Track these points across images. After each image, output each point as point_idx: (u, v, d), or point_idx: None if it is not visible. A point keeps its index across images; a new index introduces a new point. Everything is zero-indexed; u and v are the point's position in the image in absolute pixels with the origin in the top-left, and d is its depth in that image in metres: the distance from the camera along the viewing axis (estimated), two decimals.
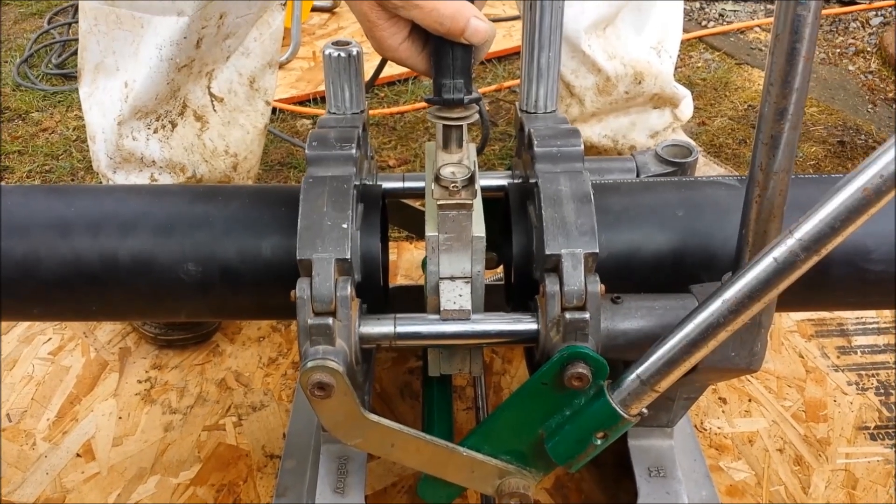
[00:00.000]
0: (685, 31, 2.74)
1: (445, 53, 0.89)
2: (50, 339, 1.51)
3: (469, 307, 0.89)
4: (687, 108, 1.89)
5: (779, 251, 0.67)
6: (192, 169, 1.48)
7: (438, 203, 0.86)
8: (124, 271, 0.96)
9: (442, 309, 0.89)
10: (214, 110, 1.48)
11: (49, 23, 3.18)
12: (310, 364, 0.83)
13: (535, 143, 0.98)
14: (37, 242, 0.95)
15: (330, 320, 0.85)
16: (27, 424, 1.33)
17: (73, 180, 2.23)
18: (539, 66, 1.04)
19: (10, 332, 1.53)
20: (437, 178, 0.86)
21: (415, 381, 1.38)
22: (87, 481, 1.22)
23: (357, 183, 0.96)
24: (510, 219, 1.00)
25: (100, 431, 1.31)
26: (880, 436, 1.27)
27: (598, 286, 0.85)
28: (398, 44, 0.90)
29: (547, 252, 0.86)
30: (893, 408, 1.32)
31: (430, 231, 0.90)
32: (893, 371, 1.38)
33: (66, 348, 1.49)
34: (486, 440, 0.90)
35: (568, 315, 0.84)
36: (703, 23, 2.95)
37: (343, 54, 1.05)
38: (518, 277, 0.95)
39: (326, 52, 1.05)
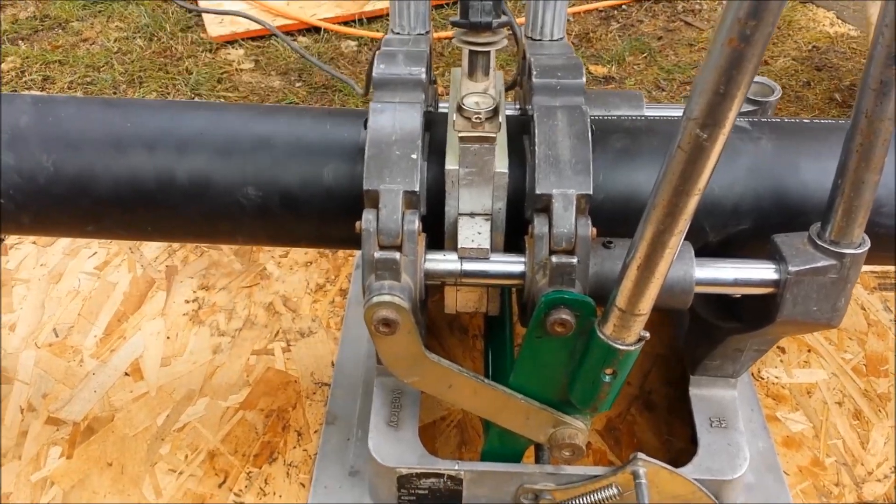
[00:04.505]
0: None
1: None
2: (95, 252, 1.50)
3: (488, 246, 0.85)
4: None
5: (681, 139, 0.62)
6: None
7: (460, 135, 0.82)
8: (181, 192, 0.93)
9: (459, 247, 0.85)
10: None
11: None
12: (375, 299, 0.80)
13: (535, 73, 0.92)
14: (92, 158, 0.92)
15: (397, 255, 0.82)
16: (74, 340, 1.33)
17: (114, 93, 2.20)
18: None
19: (55, 243, 1.52)
20: (460, 109, 0.82)
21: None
22: (135, 401, 1.22)
23: (425, 110, 0.92)
24: None
25: (148, 351, 1.30)
26: None
27: (588, 229, 0.82)
28: None
29: (538, 191, 0.82)
30: None
31: (450, 164, 0.85)
32: None
33: (111, 263, 1.48)
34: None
35: (555, 259, 0.81)
36: None
37: None
38: (509, 215, 0.91)
39: None
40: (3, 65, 2.34)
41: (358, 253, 1.44)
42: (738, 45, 0.57)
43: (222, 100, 2.16)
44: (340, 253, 1.50)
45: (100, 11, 2.59)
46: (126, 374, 1.27)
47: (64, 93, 2.20)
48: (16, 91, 2.21)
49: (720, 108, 0.60)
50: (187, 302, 1.39)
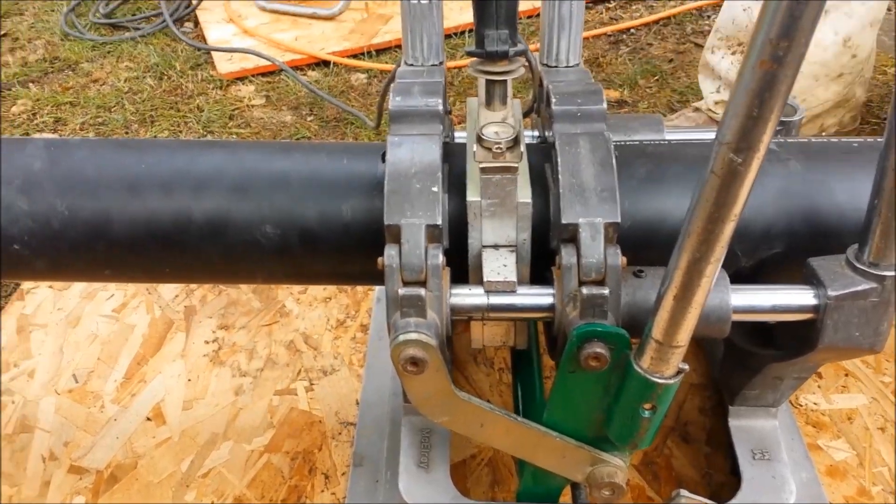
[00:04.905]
0: None
1: (489, 1, 0.81)
2: (112, 295, 1.49)
3: (514, 278, 0.83)
4: None
5: (714, 164, 0.59)
6: None
7: (481, 166, 0.80)
8: (198, 233, 0.91)
9: (485, 280, 0.83)
10: None
11: None
12: (402, 338, 0.78)
13: (554, 100, 0.90)
14: (107, 201, 0.90)
15: (422, 291, 0.79)
16: (94, 385, 1.30)
17: (126, 133, 2.20)
18: (560, 16, 0.97)
19: (72, 287, 1.51)
20: (480, 139, 0.80)
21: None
22: (158, 446, 1.20)
23: (443, 141, 0.90)
24: None
25: (169, 394, 1.28)
26: None
27: (619, 259, 0.79)
28: None
29: (563, 221, 0.80)
30: None
31: (471, 196, 0.83)
32: None
33: (129, 305, 1.46)
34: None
35: (585, 290, 0.78)
36: None
37: (424, 0, 0.98)
38: (534, 246, 0.88)
39: None
40: (14, 108, 2.35)
41: (378, 287, 1.42)
42: (770, 67, 0.54)
43: (234, 136, 2.16)
44: (359, 287, 1.47)
45: (109, 52, 2.61)
46: (148, 418, 1.24)
47: (76, 134, 2.20)
48: (28, 134, 2.21)
49: (754, 132, 0.57)
50: (207, 343, 1.37)
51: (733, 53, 1.81)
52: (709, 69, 1.89)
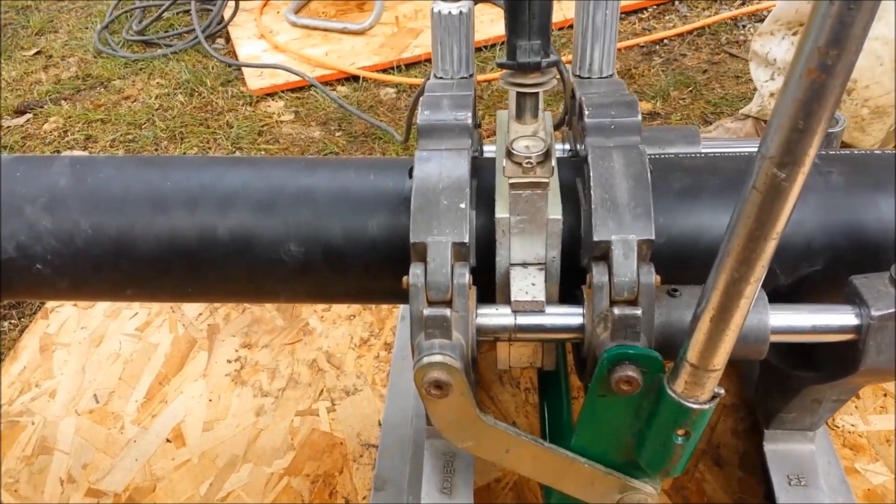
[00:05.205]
0: None
1: (521, 11, 0.79)
2: (136, 313, 1.48)
3: (543, 298, 0.80)
4: None
5: (756, 179, 0.56)
6: None
7: (511, 181, 0.78)
8: (223, 251, 0.89)
9: (512, 300, 0.80)
10: None
11: None
12: (426, 360, 0.75)
13: (587, 112, 0.87)
14: (132, 219, 0.89)
15: (447, 311, 0.77)
16: (115, 406, 1.29)
17: (156, 150, 2.20)
18: (595, 25, 0.93)
19: (96, 305, 1.50)
20: (509, 153, 0.77)
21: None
22: (177, 468, 1.18)
23: (472, 156, 0.87)
24: None
25: (190, 415, 1.26)
26: None
27: (652, 277, 0.76)
28: None
29: (595, 238, 0.77)
30: None
31: (500, 212, 0.80)
32: None
33: (153, 324, 1.45)
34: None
35: (617, 310, 0.75)
36: None
37: (454, 11, 0.96)
38: (563, 263, 0.85)
39: (436, 10, 0.96)
40: (46, 125, 2.37)
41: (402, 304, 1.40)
42: (817, 77, 0.51)
43: (263, 152, 2.16)
44: (384, 305, 1.45)
45: (141, 69, 2.63)
46: (168, 440, 1.23)
47: (106, 151, 2.22)
48: (59, 151, 2.22)
49: (799, 145, 0.54)
50: (229, 362, 1.35)
51: (794, 34, 1.68)
52: (760, 57, 1.78)
